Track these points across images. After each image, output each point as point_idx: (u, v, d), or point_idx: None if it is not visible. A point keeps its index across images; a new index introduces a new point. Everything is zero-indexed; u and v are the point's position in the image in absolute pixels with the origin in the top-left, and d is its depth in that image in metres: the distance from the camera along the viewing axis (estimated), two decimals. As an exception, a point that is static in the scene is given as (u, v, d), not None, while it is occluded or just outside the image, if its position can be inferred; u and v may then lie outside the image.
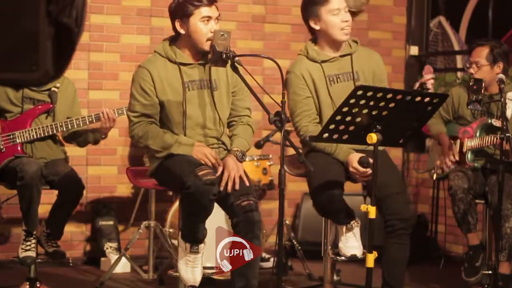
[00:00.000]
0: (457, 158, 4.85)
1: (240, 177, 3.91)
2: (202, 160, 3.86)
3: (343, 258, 4.31)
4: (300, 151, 3.72)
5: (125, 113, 4.68)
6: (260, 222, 3.86)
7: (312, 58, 4.25)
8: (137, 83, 3.95)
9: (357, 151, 4.12)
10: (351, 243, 4.26)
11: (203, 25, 3.89)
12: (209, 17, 3.89)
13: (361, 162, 3.94)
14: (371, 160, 3.82)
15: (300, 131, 4.22)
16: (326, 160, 4.13)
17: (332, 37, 4.22)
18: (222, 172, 3.89)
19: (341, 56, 4.25)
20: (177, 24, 3.95)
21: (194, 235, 3.87)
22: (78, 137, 4.79)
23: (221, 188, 3.85)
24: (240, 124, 4.09)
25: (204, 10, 3.89)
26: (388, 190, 4.03)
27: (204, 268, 4.29)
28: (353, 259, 4.29)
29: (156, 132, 3.92)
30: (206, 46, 3.87)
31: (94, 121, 4.64)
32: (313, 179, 4.12)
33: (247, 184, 3.93)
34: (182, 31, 3.94)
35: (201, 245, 3.90)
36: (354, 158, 4.06)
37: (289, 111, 4.24)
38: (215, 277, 4.81)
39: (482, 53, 4.76)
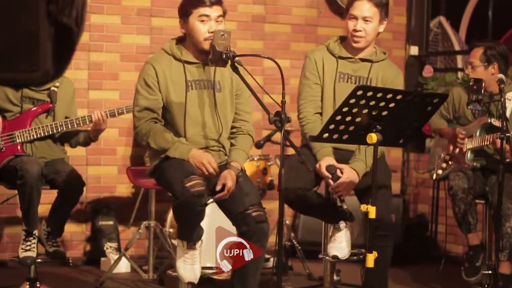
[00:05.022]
0: (464, 137, 4.85)
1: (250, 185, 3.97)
2: (198, 168, 3.87)
3: (329, 257, 4.34)
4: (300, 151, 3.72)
5: (124, 112, 4.69)
6: (268, 233, 3.89)
7: (331, 51, 4.29)
8: (142, 78, 3.99)
9: (341, 150, 4.16)
10: (336, 243, 4.28)
11: (201, 24, 3.90)
12: (207, 17, 3.90)
13: (328, 169, 3.96)
14: (339, 173, 3.99)
15: (300, 115, 4.27)
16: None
17: (348, 38, 4.27)
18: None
19: (362, 59, 4.26)
20: (180, 23, 3.98)
21: (189, 236, 3.89)
22: (70, 138, 4.79)
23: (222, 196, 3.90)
24: (241, 134, 4.08)
25: (203, 10, 3.90)
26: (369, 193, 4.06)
27: (204, 268, 4.29)
28: (335, 260, 4.31)
29: (159, 132, 3.92)
30: (205, 46, 3.89)
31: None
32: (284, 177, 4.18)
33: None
34: (183, 30, 3.97)
35: (198, 242, 3.92)
36: (324, 163, 4.06)
37: (298, 94, 4.34)
38: (215, 277, 4.81)
39: (477, 54, 4.79)
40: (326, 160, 4.08)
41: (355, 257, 4.40)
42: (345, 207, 4.08)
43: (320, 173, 4.07)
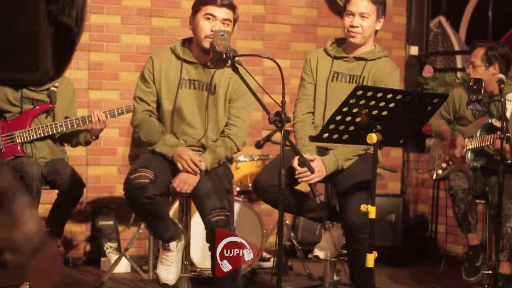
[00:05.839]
0: (462, 148, 4.84)
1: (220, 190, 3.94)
2: (179, 163, 3.89)
3: (312, 256, 4.34)
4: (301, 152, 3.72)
5: (124, 112, 4.70)
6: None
7: (327, 51, 4.33)
8: (142, 71, 4.09)
9: (327, 150, 4.17)
10: (321, 243, 4.29)
11: (205, 22, 3.94)
12: (213, 16, 3.93)
13: (300, 162, 3.96)
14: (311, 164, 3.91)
15: (293, 114, 4.31)
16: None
17: (345, 35, 4.28)
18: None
19: (356, 58, 4.25)
20: (190, 19, 4.03)
21: (155, 234, 3.91)
22: (71, 138, 4.80)
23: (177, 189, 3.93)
24: (222, 137, 4.09)
25: (210, 8, 3.92)
26: (346, 193, 4.06)
27: (204, 268, 4.28)
28: (315, 259, 4.32)
29: (149, 125, 3.99)
30: (205, 43, 3.93)
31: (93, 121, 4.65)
32: (262, 173, 4.24)
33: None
34: (190, 27, 4.02)
35: (173, 243, 3.90)
36: (296, 158, 4.06)
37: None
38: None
39: (478, 54, 4.79)
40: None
41: (341, 258, 4.39)
42: (318, 201, 4.06)
43: (295, 169, 4.07)
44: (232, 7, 3.98)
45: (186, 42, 4.09)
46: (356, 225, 3.93)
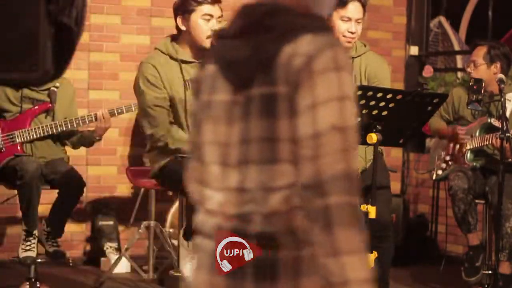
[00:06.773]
0: (463, 135, 4.83)
1: None
2: None
3: None
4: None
5: (124, 112, 4.69)
6: None
7: None
8: (144, 78, 3.95)
9: None
10: None
11: (204, 22, 3.92)
12: (211, 15, 3.92)
13: None
14: None
15: None
16: None
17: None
18: None
19: None
20: (179, 20, 3.97)
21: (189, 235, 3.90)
22: (72, 136, 4.77)
23: None
24: None
25: (206, 8, 3.91)
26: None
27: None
28: None
29: (176, 133, 3.93)
30: (206, 44, 3.90)
31: (94, 120, 4.65)
32: None
33: None
34: (183, 28, 3.97)
35: None
36: None
37: None
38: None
39: (480, 53, 4.79)
40: None
41: None
42: None
43: None
44: (219, 1, 3.98)
45: (173, 41, 4.03)
46: (387, 222, 3.98)
